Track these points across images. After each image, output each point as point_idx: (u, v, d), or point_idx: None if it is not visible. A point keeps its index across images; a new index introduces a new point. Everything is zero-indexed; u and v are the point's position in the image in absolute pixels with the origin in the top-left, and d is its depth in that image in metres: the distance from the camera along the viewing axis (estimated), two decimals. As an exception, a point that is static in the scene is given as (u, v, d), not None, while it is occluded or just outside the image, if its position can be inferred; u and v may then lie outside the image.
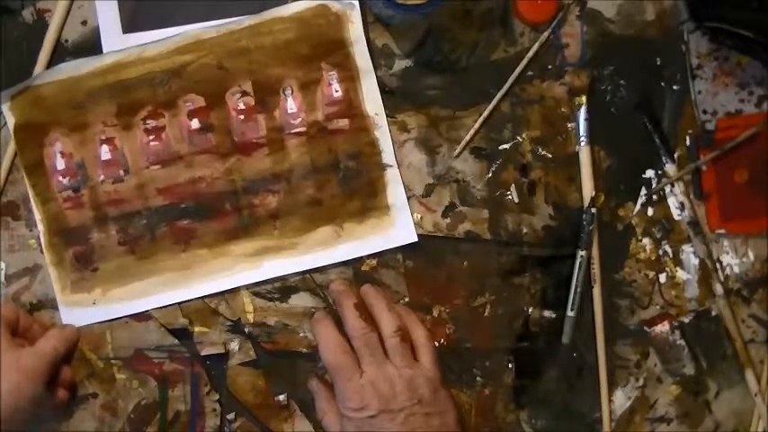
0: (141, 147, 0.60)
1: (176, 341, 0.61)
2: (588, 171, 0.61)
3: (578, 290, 0.61)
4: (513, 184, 0.62)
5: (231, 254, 0.60)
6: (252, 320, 0.61)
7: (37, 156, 0.60)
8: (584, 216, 0.61)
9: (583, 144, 0.61)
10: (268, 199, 0.61)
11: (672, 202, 0.63)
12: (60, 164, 0.60)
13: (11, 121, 0.60)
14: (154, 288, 0.60)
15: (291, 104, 0.60)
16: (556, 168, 0.62)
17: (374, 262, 0.61)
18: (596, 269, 0.61)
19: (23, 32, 0.60)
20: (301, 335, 0.61)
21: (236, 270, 0.60)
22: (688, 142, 0.63)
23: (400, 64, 0.61)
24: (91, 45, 0.60)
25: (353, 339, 0.56)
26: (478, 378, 0.62)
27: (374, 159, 0.61)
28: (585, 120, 0.61)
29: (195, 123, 0.60)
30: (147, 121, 0.60)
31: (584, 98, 0.61)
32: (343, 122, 0.60)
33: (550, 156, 0.62)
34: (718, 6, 0.59)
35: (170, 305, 0.61)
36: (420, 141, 0.61)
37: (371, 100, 0.60)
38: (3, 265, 0.61)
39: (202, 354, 0.61)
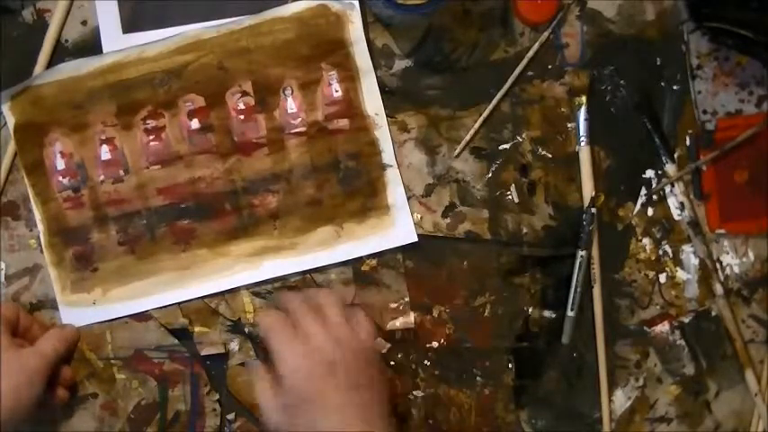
0: (141, 147, 0.60)
1: (176, 341, 0.61)
2: (588, 171, 0.61)
3: (578, 290, 0.61)
4: (513, 184, 0.62)
5: (231, 254, 0.60)
6: (252, 320, 0.61)
7: (37, 156, 0.60)
8: (584, 216, 0.61)
9: (583, 144, 0.61)
10: (268, 199, 0.61)
11: (672, 202, 0.63)
12: (60, 164, 0.60)
13: (11, 121, 0.60)
14: (154, 288, 0.60)
15: (291, 104, 0.60)
16: (556, 168, 0.62)
17: (374, 262, 0.61)
18: (596, 269, 0.61)
19: (23, 32, 0.60)
20: (301, 335, 0.61)
21: (235, 270, 0.60)
22: (688, 142, 0.63)
23: (400, 64, 0.61)
24: (91, 45, 0.60)
25: (288, 306, 0.56)
26: (478, 378, 0.62)
27: (374, 159, 0.61)
28: (585, 120, 0.61)
29: (195, 123, 0.60)
30: (147, 121, 0.60)
31: (584, 98, 0.61)
32: (343, 122, 0.60)
33: (550, 156, 0.62)
34: (718, 6, 0.59)
35: (170, 305, 0.61)
36: (420, 141, 0.61)
37: (371, 100, 0.60)
38: (3, 265, 0.61)
39: (202, 354, 0.61)
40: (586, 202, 0.61)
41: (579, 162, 0.62)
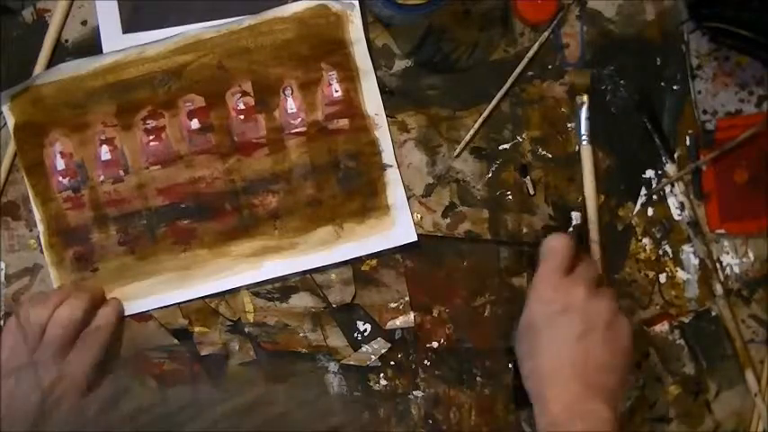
0: (141, 147, 0.60)
1: (176, 341, 0.61)
2: (590, 170, 0.61)
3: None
4: (514, 184, 0.62)
5: (231, 254, 0.60)
6: (252, 320, 0.61)
7: (37, 156, 0.60)
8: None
9: (584, 143, 0.61)
10: (268, 199, 0.61)
11: (672, 202, 0.63)
12: (60, 164, 0.60)
13: (11, 121, 0.60)
14: (154, 288, 0.60)
15: (291, 104, 0.60)
16: (556, 168, 0.62)
17: (374, 262, 0.61)
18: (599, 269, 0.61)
19: (23, 32, 0.60)
20: (301, 335, 0.61)
21: (236, 270, 0.60)
22: (688, 142, 0.63)
23: (400, 64, 0.61)
24: (91, 45, 0.60)
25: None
26: (478, 378, 0.62)
27: (374, 159, 0.61)
28: (587, 119, 0.61)
29: (195, 123, 0.60)
30: (147, 121, 0.60)
31: (585, 97, 0.61)
32: (343, 122, 0.60)
33: (550, 156, 0.62)
34: (719, 6, 0.59)
35: (170, 305, 0.61)
36: (420, 141, 0.61)
37: (371, 100, 0.60)
38: (3, 265, 0.61)
39: (202, 354, 0.61)
40: (589, 201, 0.61)
41: (580, 161, 0.62)
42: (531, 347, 0.55)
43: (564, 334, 0.54)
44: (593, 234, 0.61)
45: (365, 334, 0.62)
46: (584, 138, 0.61)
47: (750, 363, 0.63)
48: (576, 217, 0.61)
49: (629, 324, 0.56)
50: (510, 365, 0.62)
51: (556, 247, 0.57)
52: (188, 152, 0.60)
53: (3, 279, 0.61)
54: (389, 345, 0.61)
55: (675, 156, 0.63)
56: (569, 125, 0.62)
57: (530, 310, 0.56)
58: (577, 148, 0.62)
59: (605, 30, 0.62)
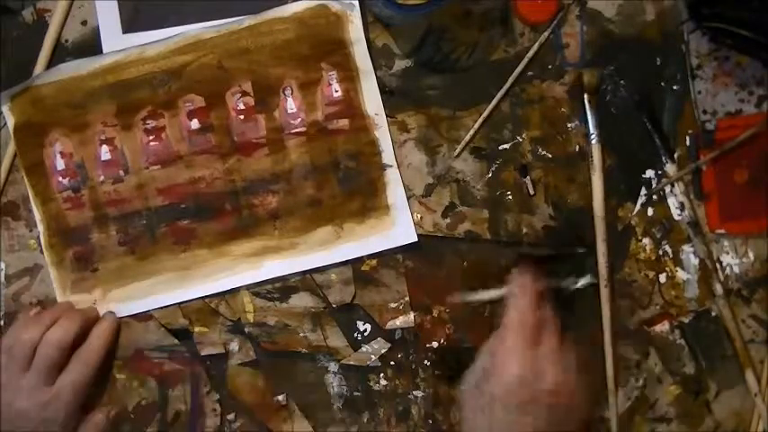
0: (141, 147, 0.60)
1: (176, 341, 0.61)
2: (600, 167, 0.61)
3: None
4: (514, 184, 0.62)
5: (231, 254, 0.61)
6: (252, 320, 0.61)
7: (37, 156, 0.60)
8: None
9: (594, 141, 0.61)
10: (268, 199, 0.61)
11: (672, 202, 0.63)
12: (60, 164, 0.60)
13: (11, 121, 0.60)
14: (154, 288, 0.61)
15: (291, 104, 0.60)
16: (556, 168, 0.62)
17: (374, 262, 0.61)
18: (603, 267, 0.61)
19: (23, 32, 0.60)
20: (301, 335, 0.61)
21: (236, 270, 0.61)
22: (688, 142, 0.63)
23: (400, 64, 0.61)
24: (91, 45, 0.60)
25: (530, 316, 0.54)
26: (478, 378, 0.62)
27: (374, 159, 0.61)
28: (596, 117, 0.61)
29: (195, 123, 0.60)
30: (147, 122, 0.60)
31: (594, 96, 0.61)
32: (343, 122, 0.60)
33: (550, 156, 0.62)
34: (719, 6, 0.59)
35: (170, 305, 0.61)
36: (420, 141, 0.61)
37: (371, 100, 0.60)
38: (3, 265, 0.61)
39: (202, 354, 0.61)
40: (596, 200, 0.61)
41: (585, 160, 0.61)
42: (481, 412, 0.53)
43: (527, 424, 0.51)
44: (600, 232, 0.61)
45: (365, 334, 0.62)
46: (593, 136, 0.61)
47: (750, 363, 0.63)
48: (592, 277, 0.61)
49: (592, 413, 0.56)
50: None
51: (525, 318, 0.54)
52: (188, 152, 0.60)
53: (3, 279, 0.61)
54: (389, 345, 0.61)
55: (675, 156, 0.63)
56: (569, 125, 0.62)
57: (492, 376, 0.53)
58: (578, 148, 0.62)
59: (605, 30, 0.62)
